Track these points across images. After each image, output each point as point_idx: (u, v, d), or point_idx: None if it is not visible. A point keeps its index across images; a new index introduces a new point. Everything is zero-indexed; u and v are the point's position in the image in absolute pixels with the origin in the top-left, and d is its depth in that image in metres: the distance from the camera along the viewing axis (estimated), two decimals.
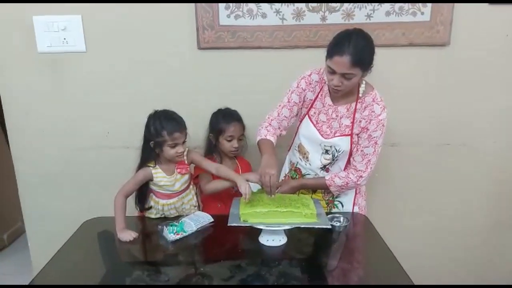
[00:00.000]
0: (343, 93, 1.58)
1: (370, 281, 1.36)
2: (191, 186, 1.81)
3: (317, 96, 1.70)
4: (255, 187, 1.66)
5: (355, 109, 1.62)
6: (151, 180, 1.68)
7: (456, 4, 1.88)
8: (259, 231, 1.50)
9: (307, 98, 1.71)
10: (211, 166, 1.76)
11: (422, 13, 1.89)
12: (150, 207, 1.73)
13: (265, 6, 1.88)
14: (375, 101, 1.60)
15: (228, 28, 1.92)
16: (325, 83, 1.66)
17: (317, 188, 1.76)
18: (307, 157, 1.74)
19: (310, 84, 1.70)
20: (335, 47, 1.47)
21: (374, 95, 1.62)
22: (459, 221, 2.25)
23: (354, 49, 1.42)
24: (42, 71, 1.99)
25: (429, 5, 1.88)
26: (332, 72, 1.50)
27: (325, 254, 1.48)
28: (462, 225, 2.25)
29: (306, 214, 1.45)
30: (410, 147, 2.12)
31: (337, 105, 1.66)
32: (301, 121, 1.75)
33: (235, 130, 1.85)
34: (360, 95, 1.61)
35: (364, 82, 1.60)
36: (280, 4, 1.88)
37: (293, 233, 1.51)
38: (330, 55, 1.48)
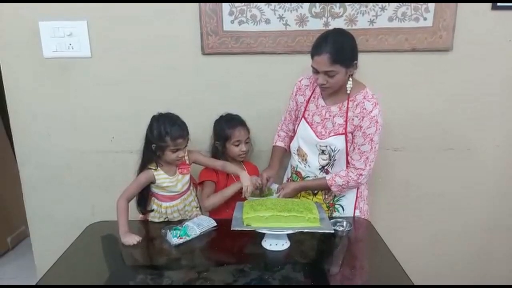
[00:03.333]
0: (332, 91, 1.64)
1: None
2: (191, 187, 1.82)
3: (308, 99, 1.75)
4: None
5: (347, 107, 1.64)
6: (153, 182, 1.69)
7: (458, 10, 1.88)
8: (262, 235, 1.51)
9: (299, 102, 1.79)
10: (217, 163, 1.81)
11: (425, 19, 1.90)
12: (152, 210, 1.73)
13: (268, 12, 1.90)
14: (366, 98, 1.62)
15: (232, 33, 1.93)
16: (317, 86, 1.69)
17: (319, 189, 1.77)
18: (305, 159, 1.76)
19: (300, 89, 1.79)
20: (314, 48, 1.55)
21: (365, 92, 1.63)
22: (463, 226, 2.24)
23: (331, 48, 1.50)
24: (47, 76, 2.01)
25: (432, 10, 1.88)
26: (315, 71, 1.57)
27: (328, 259, 1.48)
28: (466, 230, 2.24)
29: (309, 219, 1.45)
30: (414, 152, 2.12)
31: (330, 105, 1.69)
32: (298, 124, 1.78)
33: (241, 134, 1.86)
34: (348, 92, 1.62)
35: (350, 79, 1.61)
36: (283, 9, 1.89)
37: (296, 238, 1.51)
38: (311, 56, 1.56)
